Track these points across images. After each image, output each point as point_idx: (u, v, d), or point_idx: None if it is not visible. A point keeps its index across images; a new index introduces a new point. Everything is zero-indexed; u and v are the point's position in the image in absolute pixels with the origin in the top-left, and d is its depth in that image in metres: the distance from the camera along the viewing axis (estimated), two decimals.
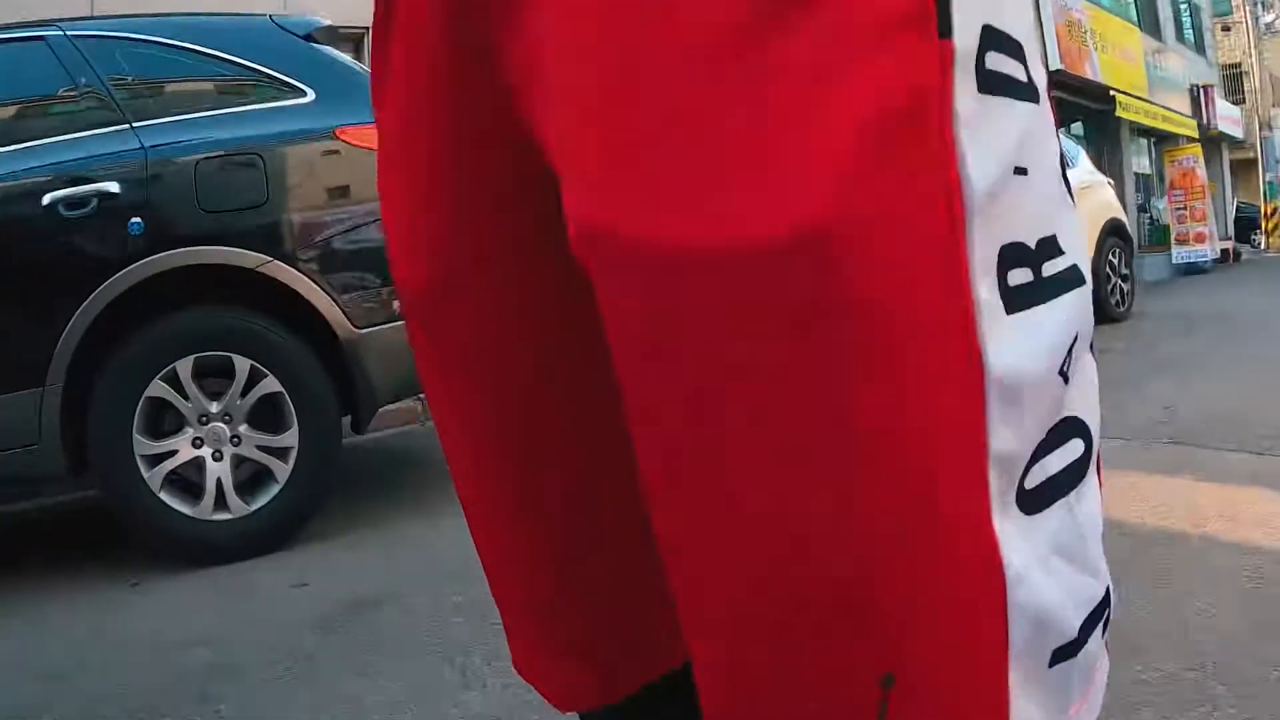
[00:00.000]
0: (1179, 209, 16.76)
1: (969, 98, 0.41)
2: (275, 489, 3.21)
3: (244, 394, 3.18)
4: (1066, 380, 0.45)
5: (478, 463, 0.63)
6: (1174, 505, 2.83)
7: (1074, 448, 0.46)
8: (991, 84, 0.42)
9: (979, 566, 0.41)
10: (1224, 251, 18.67)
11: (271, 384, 3.20)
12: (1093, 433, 0.48)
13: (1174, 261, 16.56)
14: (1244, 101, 26.80)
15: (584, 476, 0.62)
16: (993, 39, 0.43)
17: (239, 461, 3.22)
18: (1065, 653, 0.45)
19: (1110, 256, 8.49)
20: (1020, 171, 0.43)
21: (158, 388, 3.09)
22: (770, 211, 0.38)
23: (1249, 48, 27.46)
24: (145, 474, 3.07)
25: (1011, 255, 0.43)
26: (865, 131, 0.38)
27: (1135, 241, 12.51)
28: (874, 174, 0.38)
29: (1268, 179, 25.83)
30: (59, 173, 3.09)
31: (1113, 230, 8.57)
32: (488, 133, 0.54)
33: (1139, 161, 18.85)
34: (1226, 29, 27.53)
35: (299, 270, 3.28)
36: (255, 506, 3.18)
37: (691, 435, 0.42)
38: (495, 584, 0.67)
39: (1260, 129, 26.20)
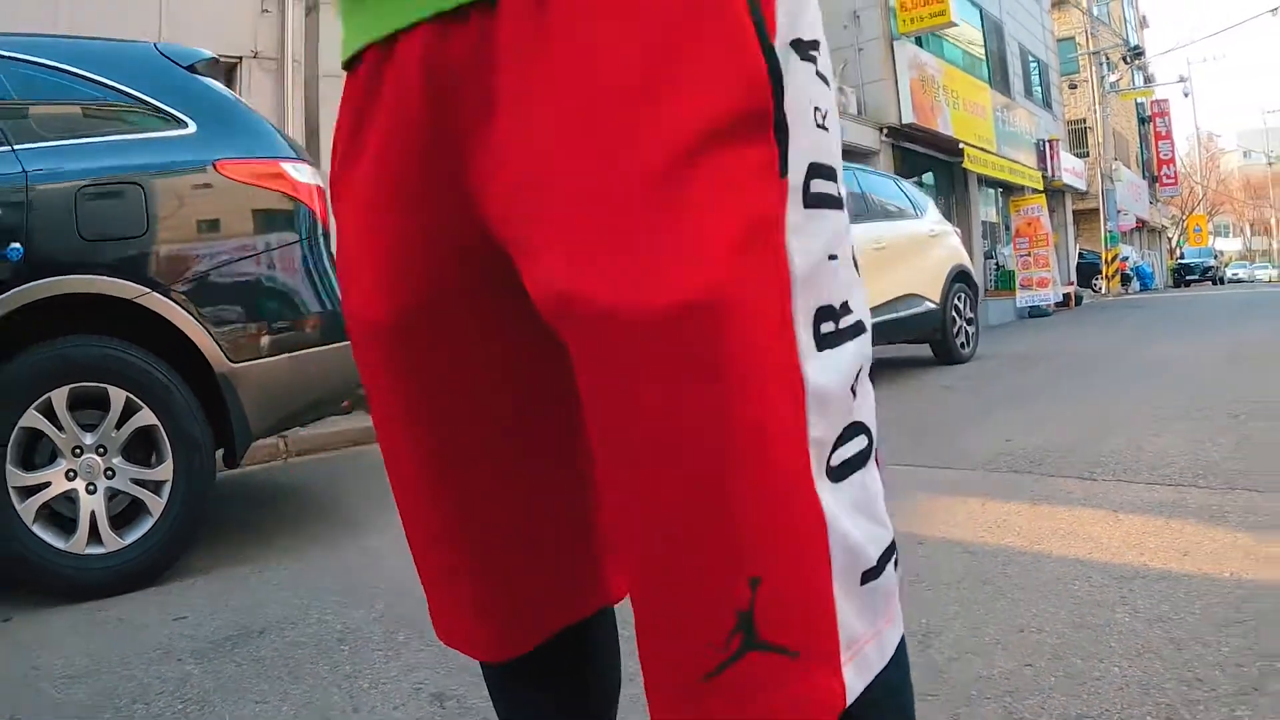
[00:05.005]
0: (1024, 256, 17.54)
1: (797, 213, 0.65)
2: (149, 522, 3.20)
3: (119, 426, 3.17)
4: (855, 396, 0.69)
5: (419, 470, 0.81)
6: (1011, 526, 3.08)
7: (860, 441, 0.69)
8: (813, 201, 0.67)
9: (808, 510, 0.64)
10: (1066, 296, 19.67)
11: (146, 416, 3.20)
12: (873, 432, 0.72)
13: (1018, 306, 17.39)
14: (1087, 155, 28.35)
15: (507, 482, 0.82)
16: (816, 171, 0.67)
17: (113, 494, 3.20)
18: (870, 575, 0.68)
19: (956, 301, 8.86)
20: (832, 258, 0.68)
21: (32, 417, 3.06)
22: (686, 285, 0.60)
23: (1093, 104, 29.16)
24: (18, 506, 3.03)
25: (822, 313, 0.67)
26: (737, 239, 0.61)
27: (981, 287, 13.16)
28: (741, 264, 0.61)
29: (1108, 228, 27.38)
30: None
31: (959, 276, 8.90)
32: (446, 206, 0.73)
33: (986, 211, 19.82)
34: (1073, 87, 29.17)
35: (176, 302, 3.29)
36: (128, 540, 3.16)
37: (634, 431, 0.63)
38: (423, 566, 0.87)
39: (1102, 180, 27.76)
